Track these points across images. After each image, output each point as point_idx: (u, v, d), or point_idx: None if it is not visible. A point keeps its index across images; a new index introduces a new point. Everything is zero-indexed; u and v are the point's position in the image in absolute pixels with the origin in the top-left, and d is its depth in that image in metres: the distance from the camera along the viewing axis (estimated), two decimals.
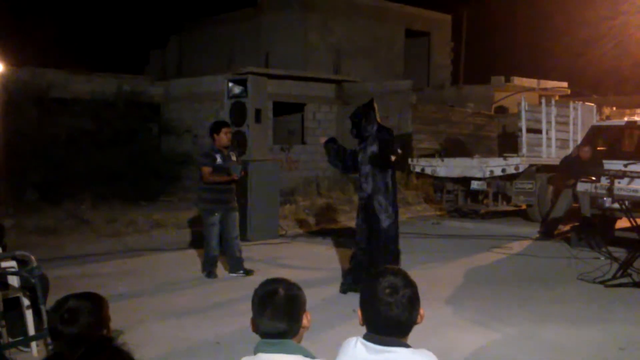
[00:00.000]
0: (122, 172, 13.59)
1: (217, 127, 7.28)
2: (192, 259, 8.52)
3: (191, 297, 6.51)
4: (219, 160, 7.13)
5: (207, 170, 7.09)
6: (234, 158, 7.33)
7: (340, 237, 10.12)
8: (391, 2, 23.53)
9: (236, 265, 7.36)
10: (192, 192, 14.65)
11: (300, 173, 16.38)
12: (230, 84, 10.02)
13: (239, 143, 9.79)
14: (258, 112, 9.83)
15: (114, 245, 9.15)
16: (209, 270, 7.30)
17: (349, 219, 12.23)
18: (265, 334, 2.19)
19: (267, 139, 11.58)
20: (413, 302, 2.17)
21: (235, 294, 6.56)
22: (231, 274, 7.39)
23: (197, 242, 9.56)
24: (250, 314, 2.27)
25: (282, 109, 17.03)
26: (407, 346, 2.16)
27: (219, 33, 24.53)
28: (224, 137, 7.20)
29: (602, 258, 8.30)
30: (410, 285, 2.20)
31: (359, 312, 2.23)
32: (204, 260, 7.47)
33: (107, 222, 10.22)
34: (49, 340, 2.36)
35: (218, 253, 7.32)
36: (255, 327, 2.23)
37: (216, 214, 7.16)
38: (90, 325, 2.28)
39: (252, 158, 9.69)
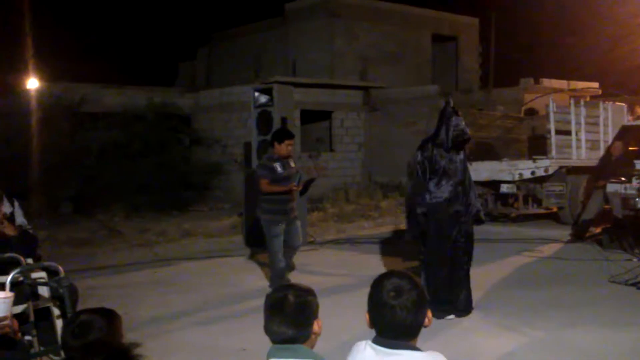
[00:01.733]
0: (153, 183, 13.78)
1: (280, 136, 6.84)
2: (220, 267, 8.62)
3: (219, 305, 6.59)
4: (279, 169, 6.74)
5: (264, 182, 6.73)
6: (292, 164, 6.96)
7: (367, 243, 10.12)
8: (417, 7, 23.47)
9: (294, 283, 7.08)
10: (222, 201, 14.87)
11: (328, 180, 16.42)
12: (257, 94, 10.09)
13: (266, 151, 9.88)
14: (284, 120, 9.89)
15: (145, 255, 9.30)
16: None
17: (377, 225, 12.24)
18: (274, 340, 2.23)
19: (294, 147, 11.63)
20: (418, 304, 2.17)
21: (261, 301, 6.59)
22: None
23: (227, 249, 9.70)
24: None
25: (310, 116, 17.11)
26: (416, 349, 2.17)
27: (246, 43, 24.76)
28: (284, 148, 6.75)
29: (635, 260, 8.15)
30: (416, 287, 2.20)
31: (367, 316, 2.25)
32: (272, 275, 7.06)
33: (138, 232, 10.39)
34: None
35: (285, 264, 6.96)
36: (267, 333, 2.27)
37: (279, 225, 6.79)
38: (100, 341, 2.29)
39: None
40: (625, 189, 8.13)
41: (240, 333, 5.57)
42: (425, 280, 5.88)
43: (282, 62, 22.48)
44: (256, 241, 9.82)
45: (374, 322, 2.21)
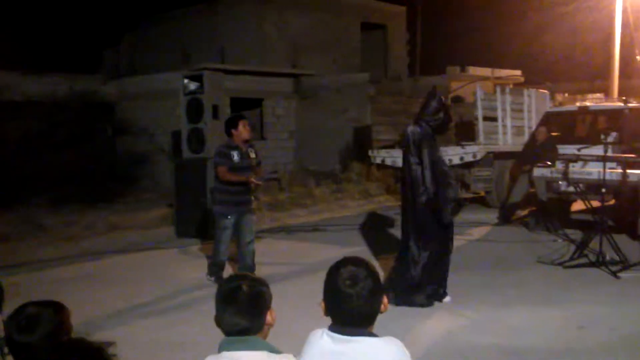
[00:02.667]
0: (77, 174, 13.29)
1: (234, 121, 6.63)
2: (152, 259, 8.39)
3: (154, 299, 6.40)
4: (235, 158, 6.50)
5: (222, 169, 6.49)
6: (252, 155, 6.70)
7: (302, 231, 10.09)
8: None
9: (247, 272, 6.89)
10: (151, 192, 14.49)
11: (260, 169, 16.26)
12: (186, 81, 9.87)
13: (198, 140, 9.68)
14: (215, 109, 9.71)
15: (71, 249, 8.93)
16: (217, 276, 6.66)
17: (311, 213, 12.24)
18: (227, 331, 2.15)
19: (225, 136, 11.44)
20: (374, 292, 2.14)
21: (200, 292, 6.48)
22: None
23: (158, 241, 9.45)
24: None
25: (240, 104, 16.88)
26: (374, 335, 2.15)
27: (173, 29, 24.18)
28: (243, 130, 6.51)
29: (560, 240, 8.49)
30: (372, 275, 2.17)
31: (322, 304, 2.21)
32: (210, 263, 6.92)
33: (63, 226, 9.97)
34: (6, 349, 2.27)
35: (226, 258, 6.80)
36: (218, 324, 2.19)
37: (230, 217, 6.57)
38: (50, 334, 2.18)
39: (211, 155, 9.57)
40: (550, 173, 8.42)
41: (180, 325, 5.44)
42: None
43: (210, 49, 22.07)
44: (189, 231, 9.66)
45: (330, 310, 2.17)
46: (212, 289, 6.54)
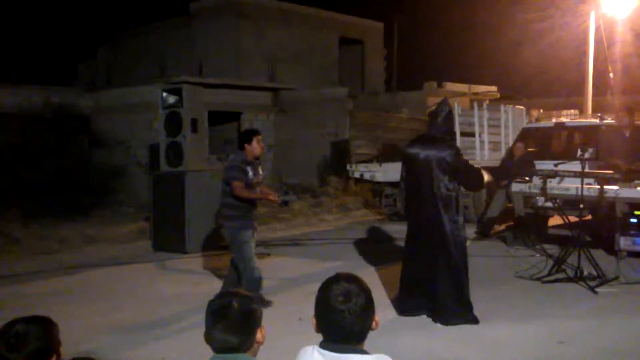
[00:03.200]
0: (52, 187, 13.11)
1: (248, 135, 6.39)
2: (130, 274, 8.27)
3: (133, 314, 6.30)
4: (250, 174, 6.25)
5: (239, 185, 6.17)
6: (261, 172, 6.50)
7: (281, 245, 10.04)
8: (324, 10, 23.71)
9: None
10: (127, 206, 14.33)
11: None
12: (165, 94, 9.81)
13: (176, 154, 9.61)
14: (194, 122, 9.65)
15: (46, 264, 8.77)
16: (260, 298, 6.06)
17: (290, 227, 12.19)
18: (216, 348, 2.12)
19: (204, 149, 11.38)
20: (366, 309, 2.14)
21: (178, 307, 6.39)
22: None
23: (135, 255, 9.34)
24: (199, 329, 2.19)
25: (218, 118, 16.83)
26: (365, 352, 2.14)
27: (150, 43, 24.09)
28: (256, 146, 6.32)
29: (537, 255, 8.56)
30: (364, 292, 2.16)
31: (314, 320, 2.19)
32: (247, 286, 6.17)
33: (38, 240, 9.81)
34: None
35: (260, 272, 6.26)
36: (208, 341, 2.15)
37: (249, 230, 6.23)
38: (39, 351, 2.14)
39: (189, 169, 9.51)
40: (528, 188, 8.51)
41: (159, 342, 5.35)
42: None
43: (187, 62, 22.02)
44: (166, 245, 9.56)
45: (321, 327, 2.16)
46: (193, 305, 6.46)
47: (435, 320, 5.75)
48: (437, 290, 5.74)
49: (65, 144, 14.62)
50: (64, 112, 15.20)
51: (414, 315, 5.90)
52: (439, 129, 6.06)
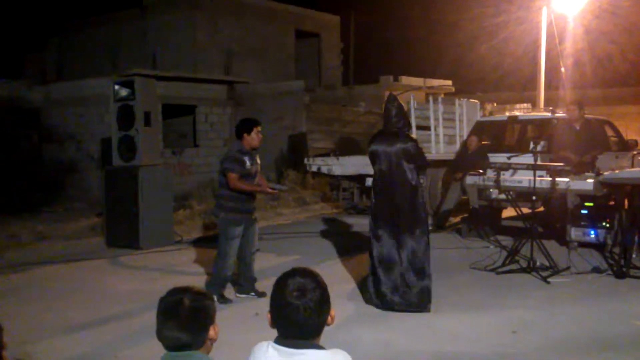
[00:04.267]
0: (1, 183, 12.70)
1: (248, 125, 6.26)
2: (82, 271, 8.07)
3: (85, 312, 6.13)
4: (248, 164, 6.19)
5: (234, 176, 6.08)
6: (258, 161, 6.41)
7: None
8: (280, 2, 23.57)
9: (250, 285, 6.48)
10: (78, 201, 14.00)
11: (194, 177, 16.01)
12: (117, 87, 9.57)
13: (129, 148, 9.41)
14: (147, 115, 9.45)
15: None
16: (220, 294, 6.12)
17: None
18: (168, 346, 2.05)
19: (158, 143, 11.18)
20: (322, 304, 2.11)
21: (132, 304, 6.25)
22: (240, 295, 6.44)
23: (88, 252, 9.10)
24: (153, 327, 2.12)
25: (172, 111, 16.57)
26: (320, 347, 2.11)
27: (102, 34, 23.56)
28: (255, 137, 6.24)
29: (492, 247, 8.69)
30: (320, 286, 2.13)
31: (268, 315, 2.15)
32: (211, 280, 6.38)
33: None
34: None
35: (231, 273, 6.28)
36: (159, 338, 2.09)
37: (241, 226, 6.21)
38: None
39: (143, 163, 9.32)
40: (482, 180, 8.62)
41: (112, 340, 5.22)
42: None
43: (140, 54, 21.63)
44: (119, 241, 9.36)
45: (276, 322, 2.11)
46: (145, 302, 6.33)
47: (399, 304, 5.83)
48: (404, 274, 5.88)
49: (14, 139, 14.19)
50: (12, 105, 14.73)
51: (389, 298, 5.93)
52: (396, 124, 6.11)
